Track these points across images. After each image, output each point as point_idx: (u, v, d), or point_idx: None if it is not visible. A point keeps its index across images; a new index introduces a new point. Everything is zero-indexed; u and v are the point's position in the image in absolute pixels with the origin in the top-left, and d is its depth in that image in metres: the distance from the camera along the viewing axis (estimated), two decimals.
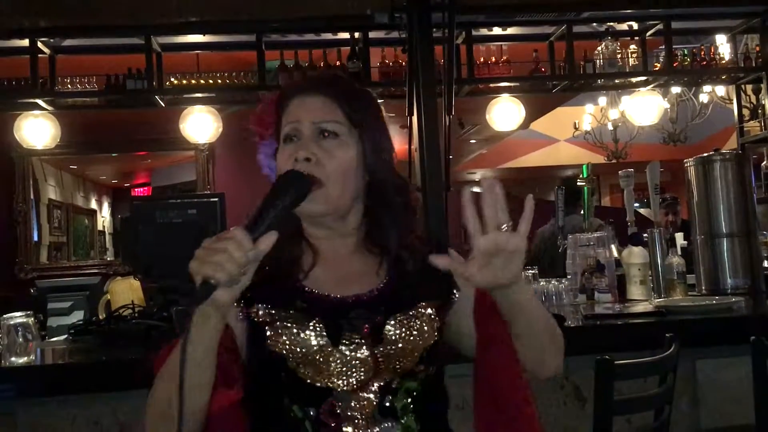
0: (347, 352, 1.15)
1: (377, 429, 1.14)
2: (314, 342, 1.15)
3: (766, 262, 3.24)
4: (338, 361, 1.14)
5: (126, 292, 2.63)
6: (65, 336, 2.54)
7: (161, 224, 2.67)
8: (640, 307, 2.52)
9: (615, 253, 2.92)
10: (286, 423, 1.15)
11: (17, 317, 2.32)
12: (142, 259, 2.66)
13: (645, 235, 2.99)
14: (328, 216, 1.22)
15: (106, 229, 11.23)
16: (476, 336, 1.23)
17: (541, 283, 2.80)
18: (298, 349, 1.14)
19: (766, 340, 1.73)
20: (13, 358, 2.19)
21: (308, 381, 1.14)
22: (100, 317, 2.62)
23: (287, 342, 1.15)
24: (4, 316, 2.33)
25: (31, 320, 2.35)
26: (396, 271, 1.24)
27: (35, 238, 6.95)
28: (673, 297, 2.76)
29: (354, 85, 1.32)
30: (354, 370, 1.14)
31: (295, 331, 1.15)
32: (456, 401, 2.17)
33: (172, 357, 1.09)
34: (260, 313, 1.17)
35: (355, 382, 1.14)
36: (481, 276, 1.05)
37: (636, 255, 2.87)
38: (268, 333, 1.16)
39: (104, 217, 11.35)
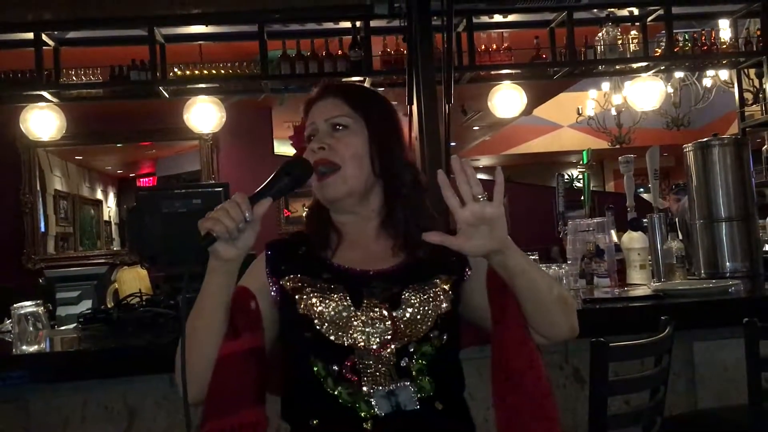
0: (368, 314, 1.28)
1: (394, 386, 1.25)
2: (339, 305, 1.28)
3: (766, 246, 3.26)
4: (360, 322, 1.27)
5: (133, 280, 2.68)
6: (74, 324, 2.59)
7: (166, 214, 2.71)
8: (638, 291, 2.55)
9: (615, 238, 2.95)
10: (311, 378, 1.26)
11: (27, 306, 2.37)
12: (149, 248, 2.71)
13: (645, 220, 3.01)
14: (349, 199, 1.38)
15: (112, 219, 11.29)
16: (490, 309, 1.33)
17: (542, 268, 2.83)
18: (324, 312, 1.28)
19: (760, 322, 1.76)
20: (24, 347, 2.24)
21: (332, 339, 1.26)
22: (109, 306, 2.67)
23: (314, 305, 1.29)
24: (15, 305, 2.38)
25: (41, 309, 2.40)
26: (412, 251, 1.37)
27: (42, 229, 7.02)
28: (673, 281, 2.80)
29: (361, 87, 1.55)
30: (374, 330, 1.27)
31: (321, 296, 1.30)
32: None
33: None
34: (289, 283, 1.33)
35: (374, 343, 1.26)
36: (470, 246, 1.19)
37: (636, 240, 2.89)
38: (297, 298, 1.30)
39: (110, 208, 11.41)
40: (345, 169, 1.35)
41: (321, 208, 1.42)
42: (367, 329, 1.27)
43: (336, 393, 1.24)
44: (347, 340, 1.26)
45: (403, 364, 1.26)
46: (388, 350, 1.26)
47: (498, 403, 1.29)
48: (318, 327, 1.27)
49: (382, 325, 1.27)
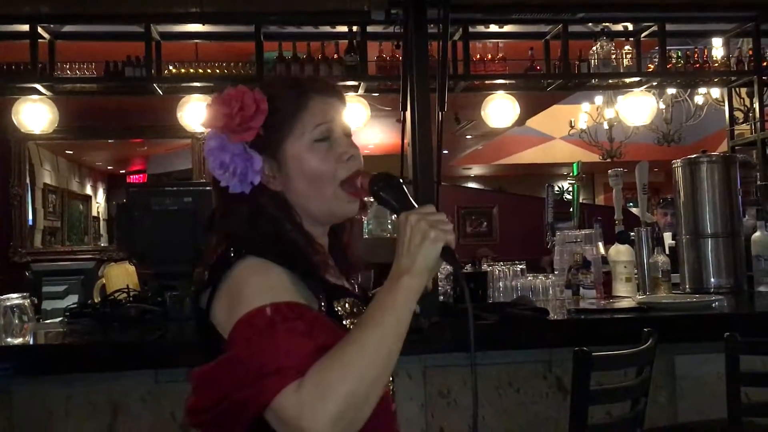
0: None
1: None
2: None
3: None
4: None
5: (121, 276, 2.68)
6: (60, 318, 2.59)
7: (157, 211, 2.71)
8: (623, 303, 2.58)
9: (602, 251, 2.98)
10: None
11: (14, 298, 2.36)
12: (138, 245, 2.71)
13: (632, 233, 3.04)
14: None
15: (100, 215, 11.24)
16: None
17: (529, 278, 2.85)
18: None
19: (741, 337, 1.79)
20: (9, 339, 2.23)
21: None
22: (96, 301, 2.67)
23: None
24: (1, 297, 2.37)
25: (27, 302, 2.39)
26: (354, 272, 1.33)
27: (30, 222, 6.98)
28: (657, 294, 2.82)
29: None
30: None
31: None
32: (440, 389, 2.24)
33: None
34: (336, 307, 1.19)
35: None
36: None
37: (622, 253, 2.92)
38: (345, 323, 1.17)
39: (99, 203, 11.36)
40: None
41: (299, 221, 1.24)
42: None
43: None
44: None
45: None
46: None
47: None
48: None
49: None
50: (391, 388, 1.27)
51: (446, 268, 2.76)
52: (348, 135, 1.25)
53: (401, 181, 1.17)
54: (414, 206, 1.13)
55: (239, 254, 1.12)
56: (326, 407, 0.96)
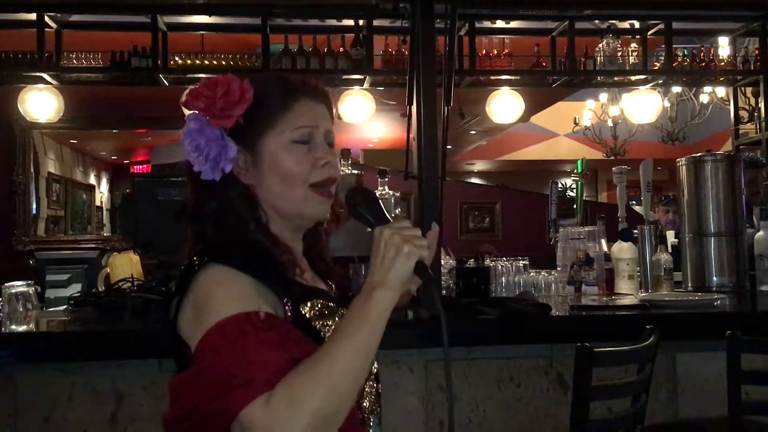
0: None
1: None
2: None
3: None
4: None
5: (126, 266, 2.69)
6: (65, 307, 2.60)
7: (162, 201, 2.73)
8: (625, 300, 2.58)
9: (605, 248, 2.98)
10: None
11: (18, 286, 2.38)
12: (142, 234, 2.73)
13: (635, 231, 3.05)
14: None
15: (104, 205, 11.26)
16: None
17: (531, 274, 2.86)
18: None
19: (742, 335, 1.79)
20: (13, 326, 2.25)
21: None
22: (100, 290, 2.68)
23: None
24: (6, 284, 2.39)
25: (31, 290, 2.41)
26: (330, 276, 1.33)
27: (33, 211, 7.00)
28: (659, 292, 2.83)
29: None
30: None
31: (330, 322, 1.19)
32: (440, 383, 2.25)
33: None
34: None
35: None
36: None
37: (625, 250, 2.93)
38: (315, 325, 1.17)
39: (102, 193, 11.38)
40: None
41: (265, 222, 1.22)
42: None
43: None
44: None
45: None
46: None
47: None
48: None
49: None
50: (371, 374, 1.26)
51: (450, 261, 2.77)
52: (330, 143, 1.25)
53: (377, 196, 1.18)
54: (389, 221, 1.13)
55: (202, 262, 1.11)
56: (296, 421, 0.95)
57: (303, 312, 1.15)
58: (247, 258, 1.12)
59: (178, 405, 1.06)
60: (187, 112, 1.20)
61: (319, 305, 1.17)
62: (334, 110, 1.29)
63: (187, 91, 1.20)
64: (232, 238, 1.16)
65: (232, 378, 0.98)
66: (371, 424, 1.24)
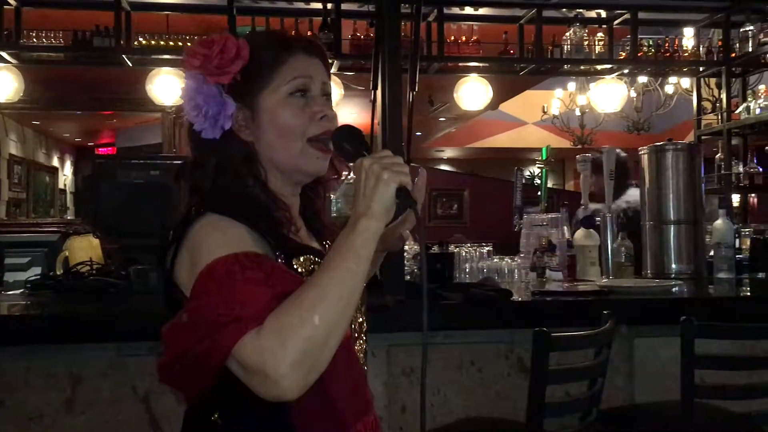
0: None
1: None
2: None
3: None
4: None
5: (85, 249, 2.65)
6: (22, 290, 2.56)
7: (123, 184, 2.68)
8: (585, 287, 2.62)
9: (568, 235, 3.02)
10: None
11: None
12: (103, 217, 2.68)
13: (597, 219, 3.09)
14: None
15: (67, 188, 11.06)
16: None
17: (495, 260, 2.88)
18: None
19: (698, 321, 1.83)
20: None
21: None
22: (58, 273, 2.64)
23: None
24: None
25: None
26: (322, 233, 1.32)
27: None
28: (621, 279, 2.87)
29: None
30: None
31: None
32: (403, 368, 2.26)
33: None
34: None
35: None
36: None
37: (587, 237, 2.97)
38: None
39: (66, 176, 11.16)
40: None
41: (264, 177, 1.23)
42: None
43: None
44: None
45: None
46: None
47: None
48: None
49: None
50: (361, 332, 1.30)
51: (415, 247, 2.77)
52: (327, 95, 1.25)
53: (360, 131, 1.18)
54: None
55: (199, 213, 1.13)
56: (286, 352, 0.97)
57: (295, 266, 1.16)
58: (244, 210, 1.14)
59: (171, 349, 1.06)
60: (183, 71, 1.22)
61: (311, 262, 1.18)
62: (326, 65, 1.28)
63: (186, 52, 1.22)
64: (231, 193, 1.17)
65: (220, 316, 1.00)
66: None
